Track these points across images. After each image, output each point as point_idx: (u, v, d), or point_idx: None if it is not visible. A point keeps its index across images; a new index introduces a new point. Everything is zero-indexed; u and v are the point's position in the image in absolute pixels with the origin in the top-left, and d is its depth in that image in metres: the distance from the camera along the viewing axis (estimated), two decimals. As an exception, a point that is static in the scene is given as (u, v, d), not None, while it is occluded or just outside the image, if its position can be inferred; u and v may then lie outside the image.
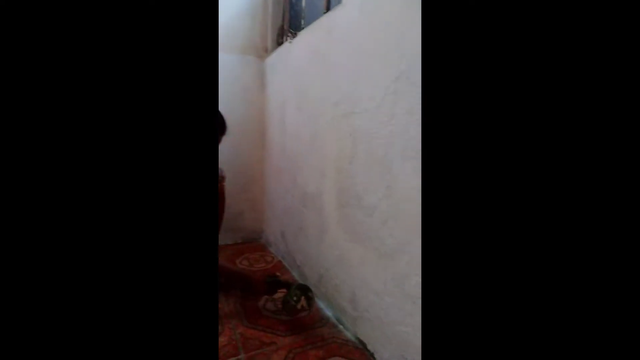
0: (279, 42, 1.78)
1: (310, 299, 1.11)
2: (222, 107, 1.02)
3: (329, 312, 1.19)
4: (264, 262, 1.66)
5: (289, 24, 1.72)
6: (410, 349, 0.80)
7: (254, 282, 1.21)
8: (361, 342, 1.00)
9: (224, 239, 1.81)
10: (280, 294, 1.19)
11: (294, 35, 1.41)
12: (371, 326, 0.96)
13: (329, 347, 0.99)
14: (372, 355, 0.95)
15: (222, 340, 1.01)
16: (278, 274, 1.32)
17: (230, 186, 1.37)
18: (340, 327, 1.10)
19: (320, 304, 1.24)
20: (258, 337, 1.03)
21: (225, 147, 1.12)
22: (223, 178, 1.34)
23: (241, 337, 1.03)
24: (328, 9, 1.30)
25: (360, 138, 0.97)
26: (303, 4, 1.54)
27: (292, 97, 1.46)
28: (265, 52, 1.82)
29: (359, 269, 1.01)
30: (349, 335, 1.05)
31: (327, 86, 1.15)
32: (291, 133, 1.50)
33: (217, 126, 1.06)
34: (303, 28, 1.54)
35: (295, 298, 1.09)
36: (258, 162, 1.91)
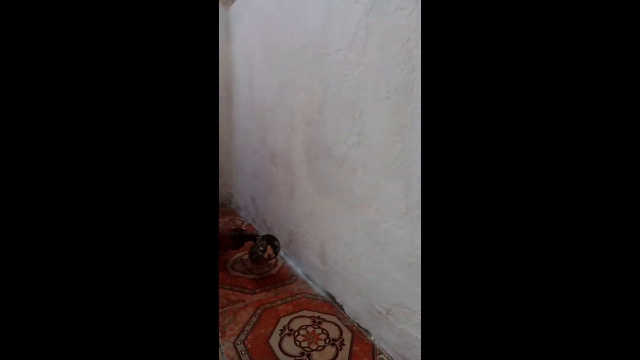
0: (244, -12, 1.61)
1: (276, 247, 1.12)
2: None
3: (298, 270, 1.17)
4: (233, 225, 1.61)
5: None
6: (377, 297, 0.80)
7: (219, 237, 1.17)
8: (330, 295, 0.99)
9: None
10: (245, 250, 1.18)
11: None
12: (340, 279, 0.94)
13: (298, 302, 0.98)
14: (340, 307, 0.95)
15: (184, 298, 0.96)
16: (243, 227, 1.29)
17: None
18: (310, 282, 1.09)
19: (290, 262, 1.22)
20: (225, 296, 0.99)
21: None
22: None
23: (206, 295, 0.99)
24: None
25: (331, 83, 0.90)
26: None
27: (259, 48, 1.34)
28: (230, -2, 1.64)
29: (329, 221, 0.98)
30: (318, 289, 1.04)
31: (296, 30, 1.05)
32: (259, 88, 1.39)
33: None
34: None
35: (261, 248, 1.10)
36: (225, 123, 1.79)
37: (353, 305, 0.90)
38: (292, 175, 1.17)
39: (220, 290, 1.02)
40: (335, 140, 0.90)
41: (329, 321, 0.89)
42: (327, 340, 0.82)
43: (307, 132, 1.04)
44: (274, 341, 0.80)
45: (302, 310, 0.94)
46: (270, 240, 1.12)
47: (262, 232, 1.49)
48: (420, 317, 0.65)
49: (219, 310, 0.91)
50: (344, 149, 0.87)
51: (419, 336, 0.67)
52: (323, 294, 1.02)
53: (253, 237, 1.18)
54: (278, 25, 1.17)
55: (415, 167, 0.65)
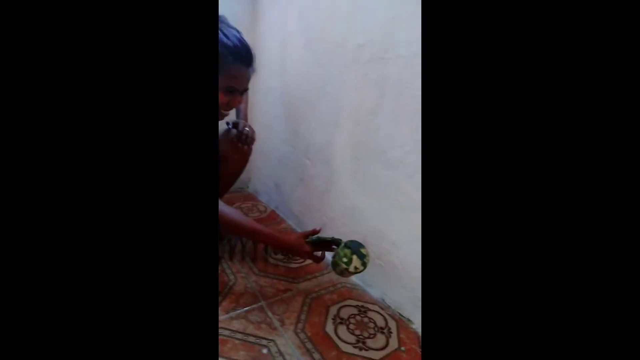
0: (275, -34, 1.53)
1: (364, 257, 0.87)
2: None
3: (333, 260, 1.24)
4: (257, 211, 1.64)
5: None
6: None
7: (293, 246, 0.93)
8: (370, 286, 1.07)
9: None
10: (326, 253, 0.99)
11: None
12: (382, 272, 1.02)
13: (340, 292, 1.05)
14: (381, 298, 1.03)
15: (238, 289, 1.01)
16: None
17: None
18: (347, 273, 1.16)
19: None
20: (273, 285, 1.05)
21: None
22: (253, 141, 1.18)
23: (256, 285, 1.04)
24: None
25: (389, 88, 0.92)
26: None
27: (298, 35, 1.31)
28: (260, -24, 1.56)
29: (373, 220, 1.04)
30: (356, 280, 1.12)
31: (350, 25, 1.03)
32: (294, 77, 1.37)
33: (241, 58, 0.85)
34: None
35: (345, 260, 0.85)
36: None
37: (395, 297, 0.98)
38: (331, 172, 1.20)
39: (266, 280, 1.07)
40: (391, 145, 0.94)
41: (373, 310, 0.98)
42: (376, 329, 0.90)
43: (355, 132, 1.07)
44: (330, 329, 0.88)
45: (346, 299, 1.02)
46: (356, 248, 0.88)
47: (289, 220, 1.54)
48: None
49: (271, 300, 0.97)
50: (400, 153, 0.91)
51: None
52: (362, 284, 1.10)
53: (336, 242, 0.92)
54: (326, 15, 1.15)
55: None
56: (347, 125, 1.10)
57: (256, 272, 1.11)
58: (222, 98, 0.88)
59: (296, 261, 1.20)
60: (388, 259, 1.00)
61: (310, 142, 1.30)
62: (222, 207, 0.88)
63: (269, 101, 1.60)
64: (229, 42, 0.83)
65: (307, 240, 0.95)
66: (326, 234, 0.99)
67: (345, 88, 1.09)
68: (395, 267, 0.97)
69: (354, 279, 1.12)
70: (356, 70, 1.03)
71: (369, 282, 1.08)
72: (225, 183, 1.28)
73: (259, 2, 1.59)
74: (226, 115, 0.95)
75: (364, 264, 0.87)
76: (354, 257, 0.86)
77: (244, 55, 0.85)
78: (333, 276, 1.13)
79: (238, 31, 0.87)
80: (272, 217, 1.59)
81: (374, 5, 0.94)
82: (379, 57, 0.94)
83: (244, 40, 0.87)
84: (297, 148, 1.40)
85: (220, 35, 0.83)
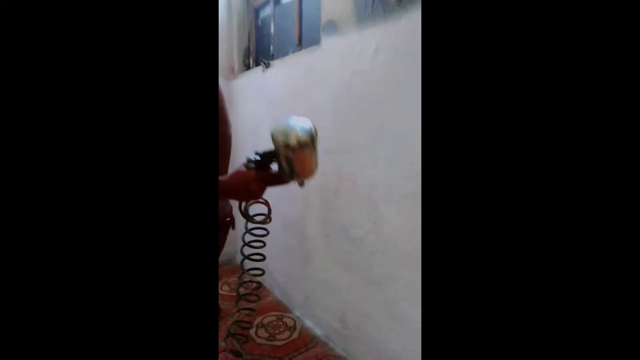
0: (245, 63, 1.77)
1: (304, 129, 0.60)
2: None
3: (318, 331, 1.28)
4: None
5: (256, 47, 1.73)
6: (400, 362, 0.94)
7: (236, 185, 0.65)
8: (352, 357, 1.11)
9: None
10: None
11: (267, 65, 1.43)
12: (362, 343, 1.07)
13: (325, 366, 1.09)
14: (364, 368, 1.07)
15: (223, 377, 1.04)
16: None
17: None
18: (331, 344, 1.20)
19: (308, 323, 1.32)
20: (258, 368, 1.08)
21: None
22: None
23: (241, 370, 1.07)
24: (300, 42, 1.35)
25: (344, 176, 1.06)
26: (272, 29, 1.56)
27: (267, 122, 1.49)
28: (232, 73, 1.79)
29: (347, 294, 1.11)
30: (339, 351, 1.16)
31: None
32: (267, 158, 1.53)
33: None
34: (273, 55, 1.57)
35: (281, 138, 0.58)
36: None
37: (375, 368, 1.03)
38: (307, 245, 1.30)
39: (252, 363, 1.10)
40: (352, 224, 1.05)
41: (356, 385, 1.01)
42: (359, 406, 0.93)
43: (322, 209, 1.19)
44: (313, 413, 0.91)
45: (330, 375, 1.05)
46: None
47: (274, 290, 1.59)
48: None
49: (256, 385, 1.00)
50: (361, 233, 1.02)
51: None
52: (346, 356, 1.14)
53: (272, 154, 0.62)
54: (288, 111, 1.33)
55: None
56: (315, 203, 1.23)
57: (244, 354, 1.14)
58: None
59: (281, 339, 1.24)
60: (365, 330, 1.06)
61: (287, 216, 1.41)
62: None
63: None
64: None
65: (247, 163, 0.63)
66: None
67: (310, 172, 1.23)
68: (373, 339, 1.03)
69: (338, 350, 1.16)
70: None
71: (351, 353, 1.12)
72: None
73: (233, 94, 1.81)
74: None
75: (309, 133, 0.60)
76: (289, 131, 0.59)
77: None
78: (317, 351, 1.17)
79: None
80: (257, 289, 1.63)
81: (324, 106, 1.12)
82: (334, 150, 1.10)
83: None
84: (275, 220, 1.50)
85: None
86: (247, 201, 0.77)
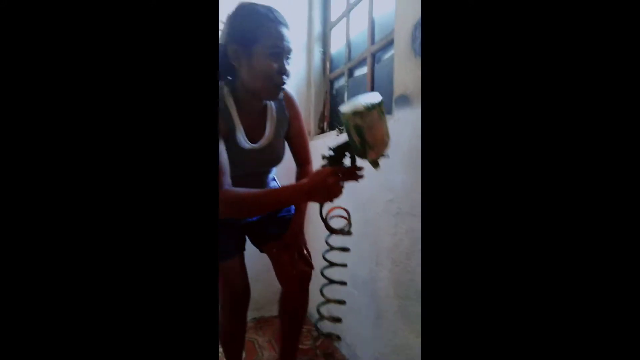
0: (319, 127, 1.99)
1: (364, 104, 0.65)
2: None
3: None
4: (311, 338, 1.69)
5: (330, 113, 1.94)
6: None
7: (313, 185, 0.73)
8: None
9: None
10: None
11: (341, 130, 1.59)
12: None
13: None
14: None
15: None
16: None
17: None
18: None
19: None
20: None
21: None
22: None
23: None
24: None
25: (418, 240, 1.07)
26: (345, 98, 1.75)
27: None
28: (309, 135, 2.02)
29: (423, 365, 1.04)
30: None
31: (381, 182, 1.28)
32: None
33: (276, 20, 0.81)
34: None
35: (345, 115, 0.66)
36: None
37: None
38: (378, 306, 1.28)
39: None
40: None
41: None
42: None
43: (394, 271, 1.19)
44: None
45: None
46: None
47: (342, 349, 1.55)
48: None
49: None
50: (437, 301, 0.98)
51: None
52: None
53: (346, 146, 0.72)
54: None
55: None
56: (386, 264, 1.23)
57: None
58: (270, 65, 0.81)
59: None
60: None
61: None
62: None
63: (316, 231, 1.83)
64: (261, 9, 0.81)
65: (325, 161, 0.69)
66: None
67: (382, 231, 1.26)
68: None
69: None
70: (388, 221, 1.21)
71: None
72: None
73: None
74: (281, 88, 0.87)
75: (376, 98, 0.63)
76: (355, 100, 0.64)
77: (277, 16, 0.82)
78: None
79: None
80: (327, 345, 1.62)
81: (396, 168, 1.18)
82: (405, 212, 1.12)
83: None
84: (343, 276, 1.53)
85: (247, 6, 0.82)
86: (326, 201, 0.78)
